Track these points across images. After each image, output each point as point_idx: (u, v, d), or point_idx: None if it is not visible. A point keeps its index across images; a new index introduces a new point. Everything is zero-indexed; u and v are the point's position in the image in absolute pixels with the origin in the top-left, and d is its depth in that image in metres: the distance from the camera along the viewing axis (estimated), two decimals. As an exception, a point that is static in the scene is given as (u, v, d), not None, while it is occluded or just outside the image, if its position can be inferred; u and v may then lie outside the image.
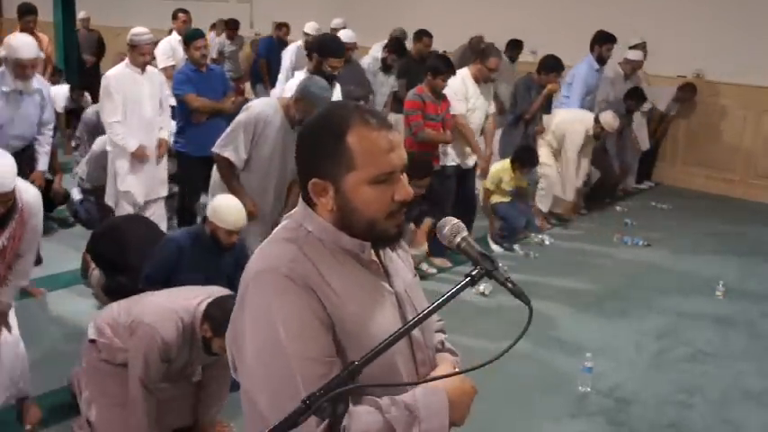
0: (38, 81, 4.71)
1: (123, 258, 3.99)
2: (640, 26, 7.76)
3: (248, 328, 1.40)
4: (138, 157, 4.88)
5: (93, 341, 3.16)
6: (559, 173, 6.59)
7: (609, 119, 6.35)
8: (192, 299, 3.05)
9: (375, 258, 1.50)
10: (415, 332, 1.49)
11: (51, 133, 4.93)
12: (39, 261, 4.49)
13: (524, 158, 5.86)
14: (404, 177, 1.45)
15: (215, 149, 3.92)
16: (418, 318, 1.34)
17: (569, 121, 6.49)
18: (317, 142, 1.43)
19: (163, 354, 2.96)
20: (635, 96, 6.97)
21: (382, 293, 1.48)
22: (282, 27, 9.16)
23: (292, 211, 1.52)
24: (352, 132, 1.39)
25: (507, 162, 5.91)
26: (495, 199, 6.00)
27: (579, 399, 3.83)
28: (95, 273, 4.28)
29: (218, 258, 3.60)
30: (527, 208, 6.25)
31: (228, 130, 3.93)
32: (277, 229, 1.52)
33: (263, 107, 3.92)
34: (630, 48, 7.52)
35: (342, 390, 1.25)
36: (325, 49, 4.35)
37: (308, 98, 3.74)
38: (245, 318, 1.41)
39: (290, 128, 3.85)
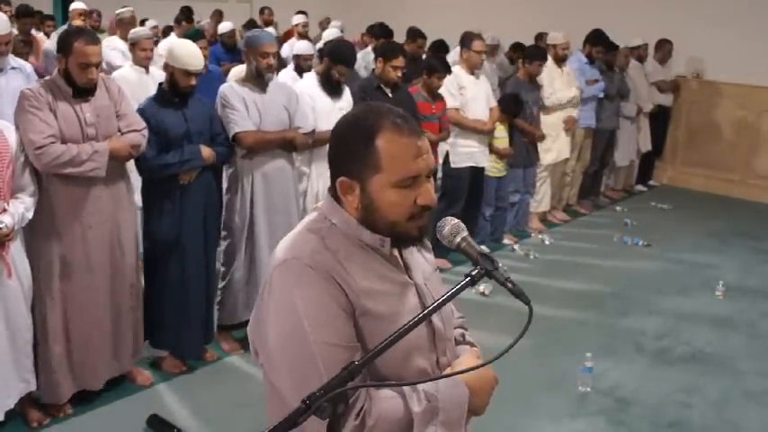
0: (15, 61, 4.65)
1: None
2: (640, 27, 7.77)
3: (271, 315, 1.46)
4: None
5: None
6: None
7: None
8: None
9: (395, 252, 1.55)
10: (437, 323, 1.56)
11: None
12: None
13: (508, 104, 5.77)
14: (429, 182, 1.49)
15: (236, 131, 3.85)
16: (415, 319, 1.36)
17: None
18: (348, 142, 1.48)
19: (39, 101, 3.15)
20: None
21: (403, 284, 1.53)
22: (265, 10, 9.78)
23: (320, 204, 1.58)
24: (381, 136, 1.44)
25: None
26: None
27: (579, 399, 3.83)
28: None
29: (181, 107, 3.69)
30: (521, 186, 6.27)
31: (227, 113, 3.88)
32: (304, 219, 1.59)
33: (225, 84, 4.08)
34: (632, 48, 7.53)
35: (342, 390, 1.26)
36: (336, 56, 4.39)
37: (250, 44, 3.91)
38: (269, 306, 1.47)
39: (262, 90, 3.95)
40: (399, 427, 1.42)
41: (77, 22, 6.96)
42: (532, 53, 6.14)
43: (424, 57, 6.63)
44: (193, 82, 3.65)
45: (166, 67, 3.69)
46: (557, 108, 6.40)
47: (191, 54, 3.63)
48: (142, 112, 3.62)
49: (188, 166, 3.66)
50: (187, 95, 3.69)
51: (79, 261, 3.34)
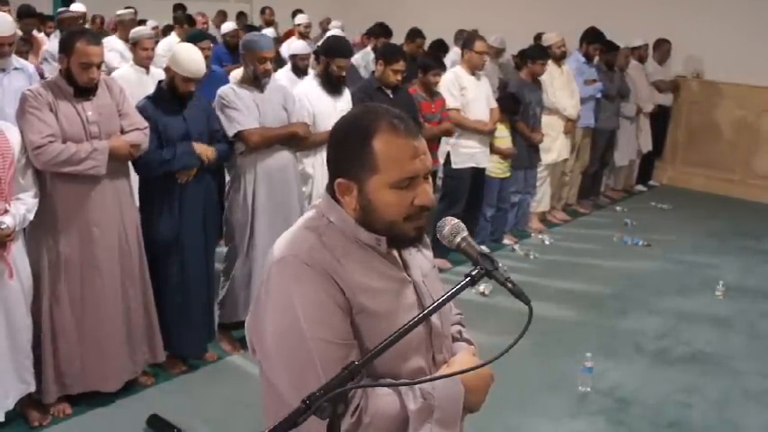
0: (18, 62, 4.64)
1: None
2: (640, 26, 7.77)
3: (269, 312, 1.46)
4: None
5: None
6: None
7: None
8: None
9: (393, 250, 1.55)
10: (435, 320, 1.56)
11: None
12: None
13: (507, 103, 5.82)
14: (427, 183, 1.49)
15: (240, 129, 3.86)
16: (415, 320, 1.36)
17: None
18: (345, 143, 1.49)
19: (39, 101, 3.16)
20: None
21: (401, 282, 1.53)
22: (266, 10, 9.72)
23: (317, 202, 1.58)
24: (378, 137, 1.44)
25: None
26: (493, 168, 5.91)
27: (579, 399, 3.83)
28: None
29: (180, 108, 3.70)
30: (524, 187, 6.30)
31: (229, 113, 3.88)
32: (302, 217, 1.59)
33: (224, 86, 4.07)
34: (633, 48, 7.52)
35: (342, 390, 1.26)
36: (331, 51, 4.40)
37: (248, 48, 3.92)
38: (266, 303, 1.47)
39: (261, 91, 3.96)
40: (395, 424, 1.43)
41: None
42: (535, 53, 6.15)
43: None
44: (192, 88, 3.66)
45: (168, 70, 3.69)
46: (557, 109, 6.41)
47: (193, 61, 3.62)
48: (141, 111, 3.62)
49: (182, 162, 3.64)
50: (185, 99, 3.69)
51: (86, 260, 3.34)
